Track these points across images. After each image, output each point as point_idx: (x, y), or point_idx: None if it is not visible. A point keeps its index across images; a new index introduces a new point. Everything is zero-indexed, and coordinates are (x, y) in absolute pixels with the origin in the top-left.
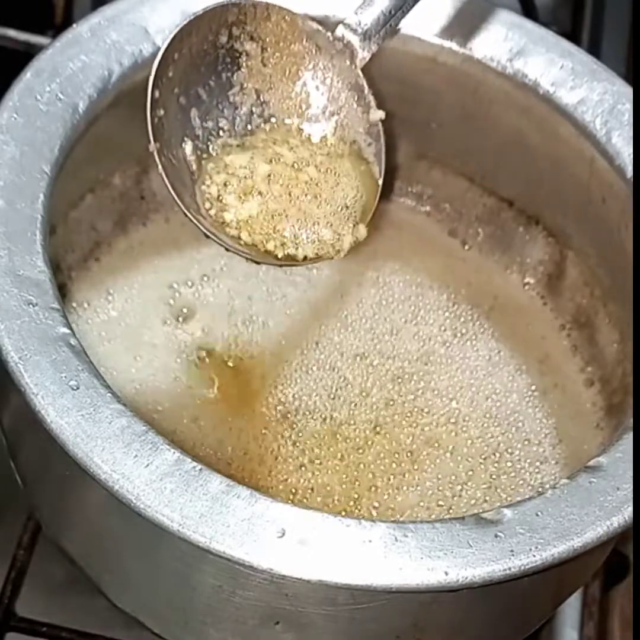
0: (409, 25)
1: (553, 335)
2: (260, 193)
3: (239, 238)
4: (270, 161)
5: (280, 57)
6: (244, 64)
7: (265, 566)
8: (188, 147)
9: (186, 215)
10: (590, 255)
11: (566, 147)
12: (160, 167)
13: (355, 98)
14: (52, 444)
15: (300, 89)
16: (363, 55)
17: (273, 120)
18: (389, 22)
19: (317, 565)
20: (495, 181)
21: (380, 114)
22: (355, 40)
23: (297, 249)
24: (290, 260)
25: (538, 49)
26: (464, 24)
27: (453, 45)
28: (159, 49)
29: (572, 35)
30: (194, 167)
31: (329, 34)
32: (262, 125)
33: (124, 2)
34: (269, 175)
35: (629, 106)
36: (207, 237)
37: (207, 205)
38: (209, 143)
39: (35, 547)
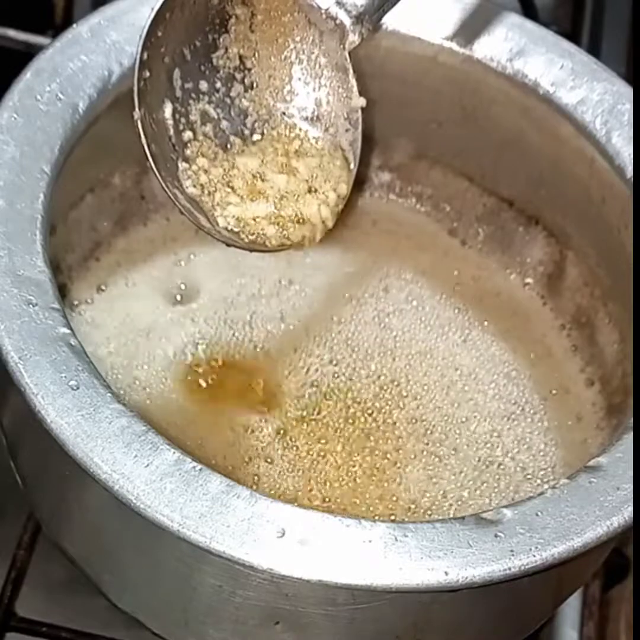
0: (409, 25)
1: (553, 335)
2: (247, 189)
3: (217, 222)
4: (262, 160)
5: (269, 25)
6: (232, 28)
7: (265, 566)
8: (168, 109)
9: (163, 188)
10: (590, 255)
11: (566, 147)
12: (142, 136)
13: (339, 80)
14: (52, 444)
15: (285, 61)
16: (353, 38)
17: (253, 90)
18: (382, 7)
19: (317, 565)
20: (495, 181)
21: (362, 101)
22: (347, 21)
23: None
24: (261, 246)
25: (538, 49)
26: (464, 24)
27: (453, 45)
28: None
29: (572, 35)
30: (172, 131)
31: (323, 10)
32: (249, 109)
33: (124, 2)
34: (258, 172)
35: (629, 106)
36: (182, 213)
37: (187, 183)
38: (187, 106)
39: (35, 547)
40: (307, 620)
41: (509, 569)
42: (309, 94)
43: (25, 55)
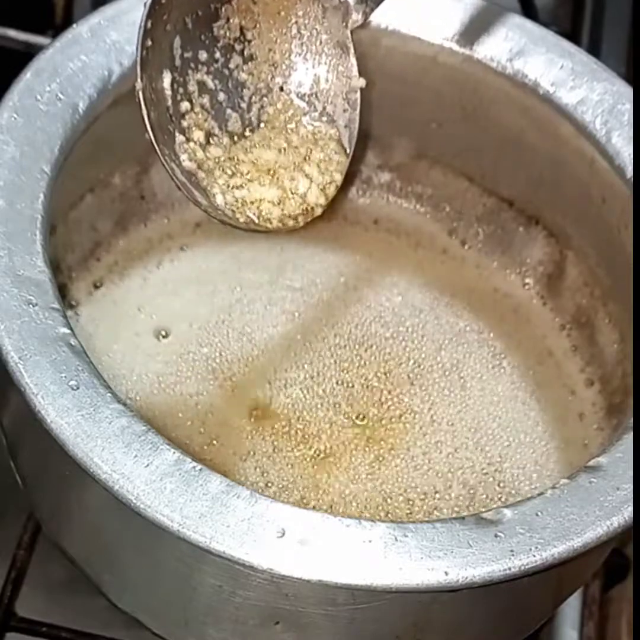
0: (409, 25)
1: (553, 335)
2: (249, 173)
3: (214, 199)
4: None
5: (273, 22)
6: None
7: (265, 566)
8: (166, 79)
9: (161, 161)
10: (590, 255)
11: (566, 147)
12: (143, 108)
13: (339, 59)
14: (52, 444)
15: (286, 35)
16: (356, 17)
17: (252, 63)
18: None
19: (317, 565)
20: (495, 181)
21: (362, 82)
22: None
23: (265, 220)
24: (259, 227)
25: (538, 49)
26: (464, 24)
27: (453, 45)
28: None
29: (572, 35)
30: (170, 102)
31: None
32: (252, 96)
33: (124, 2)
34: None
35: (629, 106)
36: (178, 188)
37: (184, 157)
38: (186, 76)
39: (35, 547)
40: (307, 620)
41: (509, 569)
42: (308, 70)
43: (25, 55)
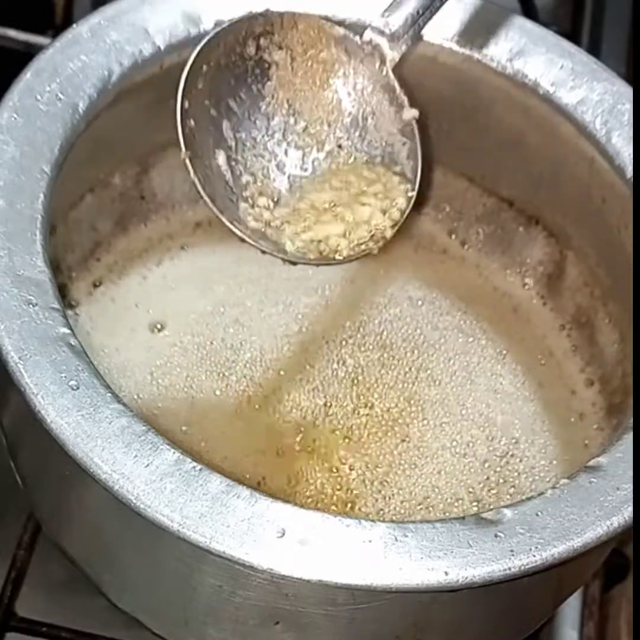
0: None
1: (553, 335)
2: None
3: (284, 247)
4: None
5: (310, 65)
6: (274, 75)
7: (265, 566)
8: (221, 157)
9: (220, 219)
10: (590, 255)
11: (566, 147)
12: (192, 174)
13: (388, 99)
14: (52, 444)
15: (332, 95)
16: (392, 56)
17: (306, 130)
18: (417, 22)
19: (317, 565)
20: (495, 181)
21: (414, 113)
22: (383, 42)
23: (335, 252)
24: (330, 260)
25: (538, 49)
26: (464, 24)
27: (453, 45)
28: (159, 49)
29: (572, 35)
30: (228, 176)
31: (357, 38)
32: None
33: (124, 2)
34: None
35: (629, 106)
36: (243, 240)
37: (249, 219)
38: (243, 154)
39: (35, 547)
40: (307, 620)
41: (509, 569)
42: (360, 120)
43: (25, 55)
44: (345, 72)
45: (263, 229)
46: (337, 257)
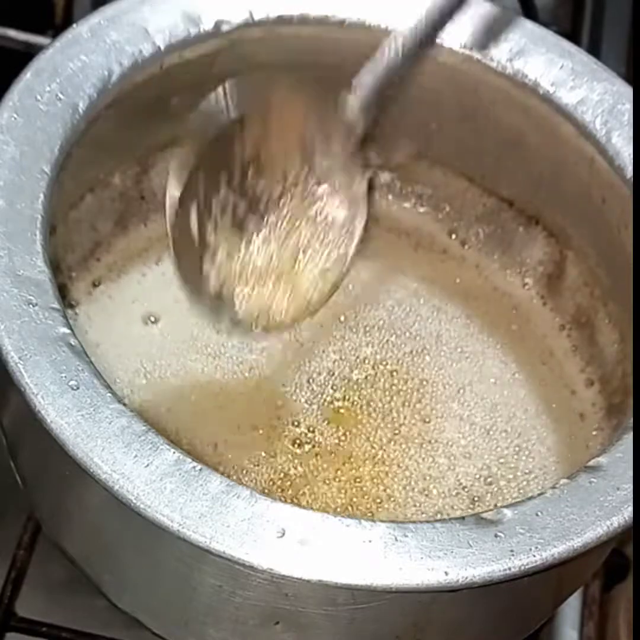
0: (409, 25)
1: (553, 335)
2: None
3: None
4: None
5: (284, 141)
6: (248, 157)
7: (265, 566)
8: (193, 214)
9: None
10: (590, 255)
11: (566, 147)
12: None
13: (349, 165)
14: (52, 444)
15: (296, 151)
16: (359, 129)
17: (264, 177)
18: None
19: (317, 565)
20: (495, 181)
21: (363, 187)
22: (357, 119)
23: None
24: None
25: (538, 49)
26: (464, 24)
27: (453, 45)
28: (159, 49)
29: (572, 35)
30: (197, 242)
31: (332, 110)
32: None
33: (124, 2)
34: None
35: (629, 106)
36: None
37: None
38: (215, 224)
39: (35, 547)
40: (307, 620)
41: (509, 569)
42: (318, 176)
43: (25, 55)
44: (315, 145)
45: (220, 292)
46: (282, 322)
